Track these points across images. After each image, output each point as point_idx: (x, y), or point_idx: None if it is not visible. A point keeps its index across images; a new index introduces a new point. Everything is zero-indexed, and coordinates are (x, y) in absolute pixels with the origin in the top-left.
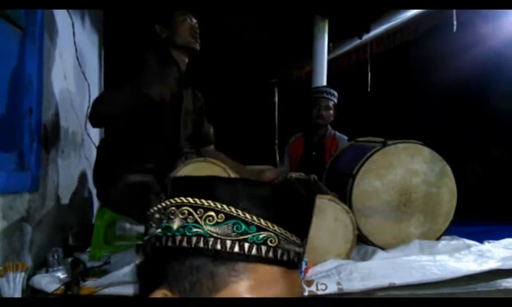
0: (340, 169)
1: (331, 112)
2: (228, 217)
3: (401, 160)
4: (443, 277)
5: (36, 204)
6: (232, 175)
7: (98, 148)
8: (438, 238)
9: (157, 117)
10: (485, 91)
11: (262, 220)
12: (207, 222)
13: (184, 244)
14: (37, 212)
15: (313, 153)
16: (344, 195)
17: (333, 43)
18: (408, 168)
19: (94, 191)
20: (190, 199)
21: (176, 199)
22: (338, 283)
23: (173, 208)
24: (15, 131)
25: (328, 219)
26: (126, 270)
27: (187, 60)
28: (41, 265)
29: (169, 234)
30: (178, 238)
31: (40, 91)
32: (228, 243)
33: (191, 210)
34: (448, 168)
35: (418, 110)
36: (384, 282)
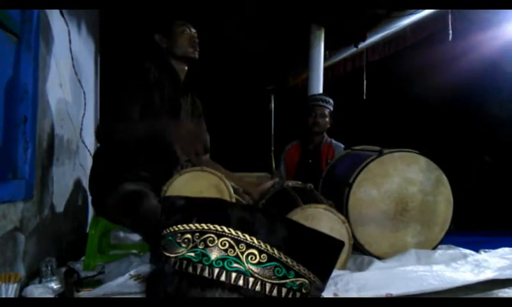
0: (336, 177)
1: (327, 119)
2: (271, 259)
3: (397, 169)
4: (440, 288)
5: (29, 213)
6: (229, 185)
7: (95, 156)
8: (435, 247)
9: (155, 126)
10: (478, 98)
11: (301, 267)
12: (249, 260)
13: (223, 278)
14: (31, 221)
15: (310, 160)
16: (341, 203)
17: (329, 51)
18: (404, 177)
19: (89, 199)
20: (232, 231)
21: (216, 226)
22: (335, 294)
23: (212, 235)
24: (9, 139)
25: (324, 228)
26: (120, 281)
27: (186, 68)
28: (35, 275)
29: (206, 263)
30: (217, 270)
31: (35, 100)
32: (268, 286)
33: (232, 242)
34: (444, 177)
35: (412, 117)
36: (381, 292)
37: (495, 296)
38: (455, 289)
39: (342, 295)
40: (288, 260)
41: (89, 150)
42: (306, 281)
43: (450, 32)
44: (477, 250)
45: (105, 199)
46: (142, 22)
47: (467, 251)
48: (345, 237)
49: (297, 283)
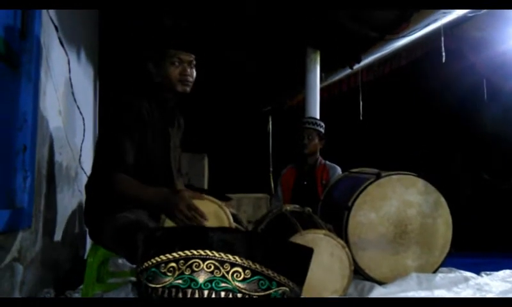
0: (335, 200)
1: (316, 141)
2: (254, 273)
3: (396, 191)
4: None
5: (27, 242)
6: (228, 212)
7: (86, 187)
8: (436, 271)
9: (146, 157)
10: (475, 116)
11: (281, 277)
12: (235, 277)
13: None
14: (29, 250)
15: (305, 182)
16: (340, 227)
17: (325, 72)
18: (402, 200)
19: None
20: (216, 253)
21: (200, 251)
22: None
23: (197, 259)
24: (8, 169)
25: (324, 254)
26: None
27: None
28: None
29: (195, 287)
30: (206, 292)
31: (34, 128)
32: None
33: (217, 264)
34: (442, 199)
35: (409, 137)
36: None
37: None
38: None
39: None
40: (270, 272)
41: (88, 176)
42: (287, 289)
43: (444, 54)
44: (478, 272)
45: (101, 230)
46: (139, 48)
47: (468, 274)
48: (345, 262)
49: (280, 291)
